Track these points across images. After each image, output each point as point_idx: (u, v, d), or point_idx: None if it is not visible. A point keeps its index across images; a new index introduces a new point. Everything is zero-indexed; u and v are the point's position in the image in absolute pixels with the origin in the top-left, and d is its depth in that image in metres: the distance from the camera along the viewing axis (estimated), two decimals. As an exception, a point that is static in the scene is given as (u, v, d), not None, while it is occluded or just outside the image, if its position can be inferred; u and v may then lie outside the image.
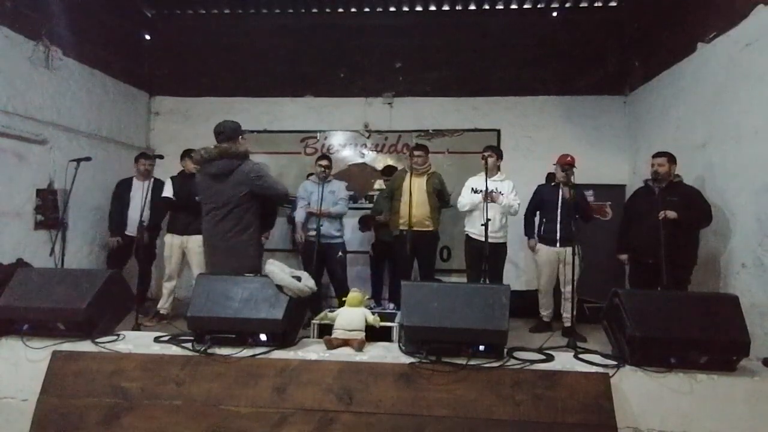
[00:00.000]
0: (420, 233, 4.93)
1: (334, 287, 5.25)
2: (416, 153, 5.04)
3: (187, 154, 5.09)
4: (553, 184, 4.99)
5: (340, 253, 5.15)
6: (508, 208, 4.83)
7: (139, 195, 5.15)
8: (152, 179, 5.40)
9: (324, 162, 5.19)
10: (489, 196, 4.65)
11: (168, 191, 5.11)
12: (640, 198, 4.55)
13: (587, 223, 4.93)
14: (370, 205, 6.23)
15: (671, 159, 4.32)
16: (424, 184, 5.00)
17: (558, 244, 4.82)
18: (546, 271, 4.96)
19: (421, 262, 5.14)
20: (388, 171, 6.00)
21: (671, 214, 4.03)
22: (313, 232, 4.99)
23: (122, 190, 5.41)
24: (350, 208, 5.59)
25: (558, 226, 4.82)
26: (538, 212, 5.12)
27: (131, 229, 5.26)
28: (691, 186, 4.39)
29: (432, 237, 5.10)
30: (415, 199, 4.88)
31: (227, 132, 3.49)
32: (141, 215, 4.64)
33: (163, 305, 5.18)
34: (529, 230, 5.14)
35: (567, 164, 4.74)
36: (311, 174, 5.94)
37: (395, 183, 5.19)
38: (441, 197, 5.10)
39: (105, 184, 5.66)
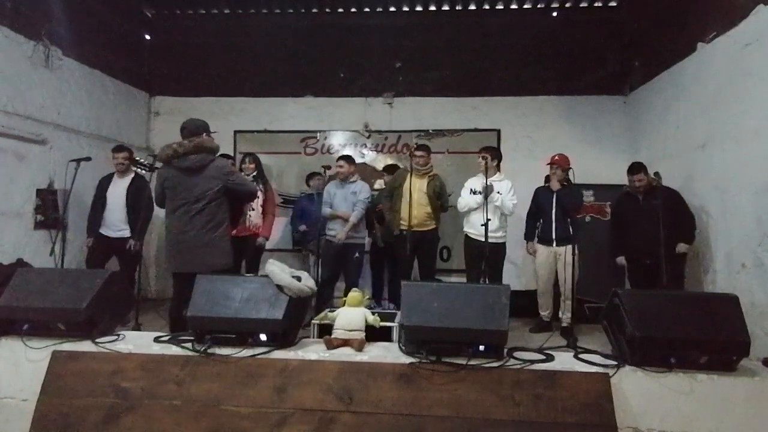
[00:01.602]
0: (420, 233, 4.92)
1: (347, 287, 5.21)
2: (418, 153, 5.03)
3: None
4: (547, 185, 5.04)
5: (357, 254, 5.07)
6: (502, 208, 4.82)
7: (117, 193, 4.91)
8: (132, 175, 4.99)
9: (340, 162, 5.14)
10: (486, 190, 4.66)
11: None
12: (626, 204, 4.76)
13: (572, 218, 4.88)
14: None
15: (645, 170, 4.60)
16: (424, 185, 4.98)
17: (554, 244, 4.86)
18: (543, 271, 4.98)
19: (422, 262, 5.14)
20: (390, 169, 5.98)
21: (682, 248, 4.43)
22: (332, 232, 4.97)
23: (101, 188, 5.01)
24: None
25: (553, 225, 4.86)
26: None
27: (108, 230, 4.92)
28: (668, 188, 4.53)
29: (432, 237, 5.10)
30: (415, 200, 4.88)
31: (189, 128, 3.50)
32: (140, 216, 4.56)
33: None
34: (529, 233, 5.16)
35: (553, 162, 4.88)
36: (313, 174, 5.95)
37: (396, 182, 5.18)
38: (439, 200, 5.09)
39: (105, 184, 5.64)
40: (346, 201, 5.01)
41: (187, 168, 3.38)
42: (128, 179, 4.95)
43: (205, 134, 3.51)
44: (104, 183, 5.02)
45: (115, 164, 4.97)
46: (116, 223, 4.91)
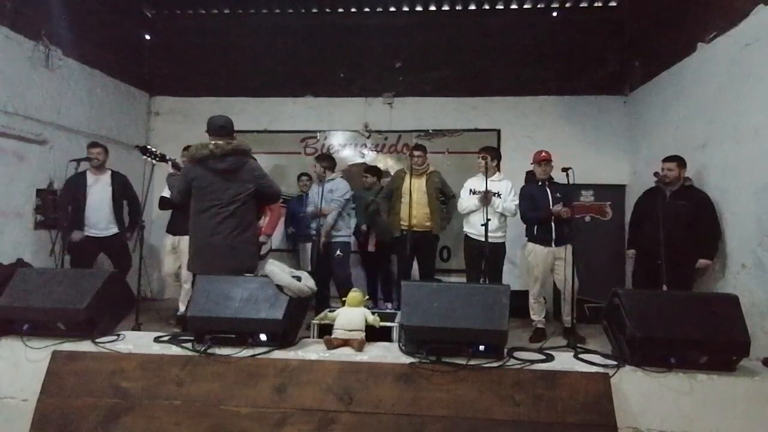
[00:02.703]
0: (420, 234, 4.93)
1: (335, 286, 5.22)
2: (415, 153, 5.04)
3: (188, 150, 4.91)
4: (539, 183, 4.85)
5: (338, 252, 5.08)
6: (504, 211, 4.79)
7: (101, 190, 4.78)
8: (110, 172, 4.88)
9: (321, 162, 5.19)
10: (485, 198, 4.62)
11: (167, 191, 4.99)
12: (650, 199, 4.57)
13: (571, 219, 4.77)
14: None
15: (681, 164, 4.37)
16: (423, 185, 5.00)
17: (553, 244, 4.72)
18: (539, 272, 4.80)
19: (422, 263, 5.14)
20: (371, 171, 5.93)
21: (702, 264, 4.24)
22: (315, 231, 4.99)
23: (74, 188, 4.73)
24: (353, 208, 5.51)
25: (553, 226, 4.70)
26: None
27: (94, 229, 4.74)
28: (701, 190, 4.41)
29: (432, 237, 5.10)
30: (415, 200, 4.88)
31: (228, 126, 3.44)
32: (132, 210, 4.49)
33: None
34: (533, 234, 4.91)
35: (542, 160, 4.74)
36: (302, 175, 6.09)
37: (394, 183, 5.19)
38: (444, 195, 5.10)
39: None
40: (324, 199, 5.04)
41: (223, 170, 3.30)
42: (108, 175, 4.85)
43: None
44: (78, 182, 4.73)
45: (91, 159, 4.77)
46: (103, 222, 4.77)
